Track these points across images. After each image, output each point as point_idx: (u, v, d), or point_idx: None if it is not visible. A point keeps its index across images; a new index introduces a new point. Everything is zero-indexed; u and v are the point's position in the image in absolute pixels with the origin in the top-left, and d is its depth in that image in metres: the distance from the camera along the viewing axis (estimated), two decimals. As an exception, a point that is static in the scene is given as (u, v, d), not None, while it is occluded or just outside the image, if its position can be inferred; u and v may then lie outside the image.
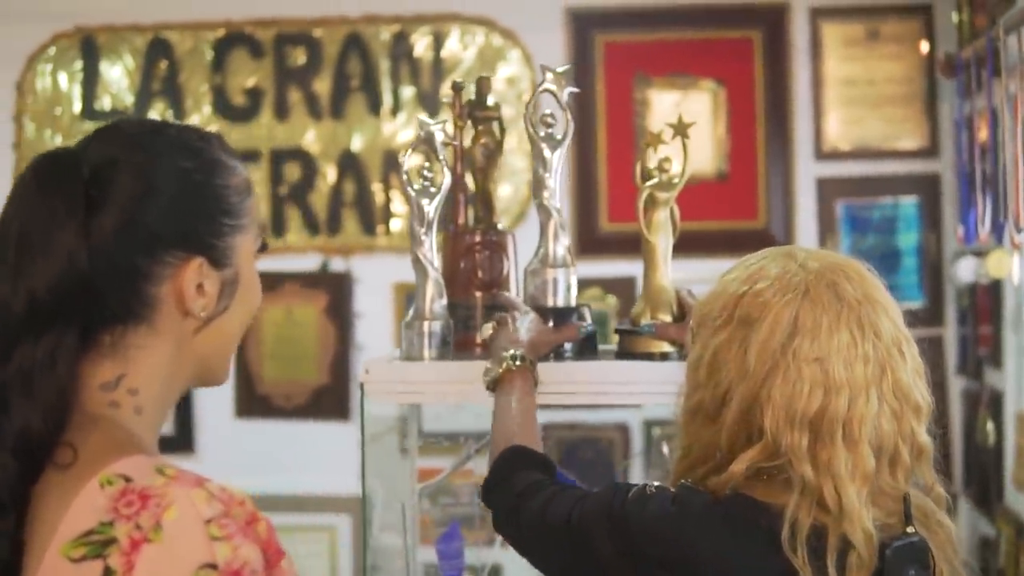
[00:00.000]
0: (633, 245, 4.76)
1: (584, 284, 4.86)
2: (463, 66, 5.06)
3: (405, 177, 2.61)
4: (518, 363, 2.38)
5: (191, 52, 5.14)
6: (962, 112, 4.27)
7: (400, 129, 5.12)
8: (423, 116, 2.67)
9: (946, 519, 1.90)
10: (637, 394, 2.59)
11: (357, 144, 5.13)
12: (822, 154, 5.02)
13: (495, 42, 5.09)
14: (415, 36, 5.12)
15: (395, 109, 5.14)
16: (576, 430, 5.01)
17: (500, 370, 2.37)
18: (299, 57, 5.15)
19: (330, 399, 5.16)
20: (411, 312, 2.61)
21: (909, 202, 4.99)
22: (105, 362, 1.49)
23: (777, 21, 5.02)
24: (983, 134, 4.05)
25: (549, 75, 2.65)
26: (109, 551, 1.34)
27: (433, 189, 2.61)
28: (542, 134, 2.61)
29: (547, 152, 2.61)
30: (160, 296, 1.51)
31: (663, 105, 5.04)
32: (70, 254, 1.44)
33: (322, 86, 5.14)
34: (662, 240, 2.62)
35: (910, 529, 1.81)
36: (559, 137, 2.62)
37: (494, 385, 2.39)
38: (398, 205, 5.13)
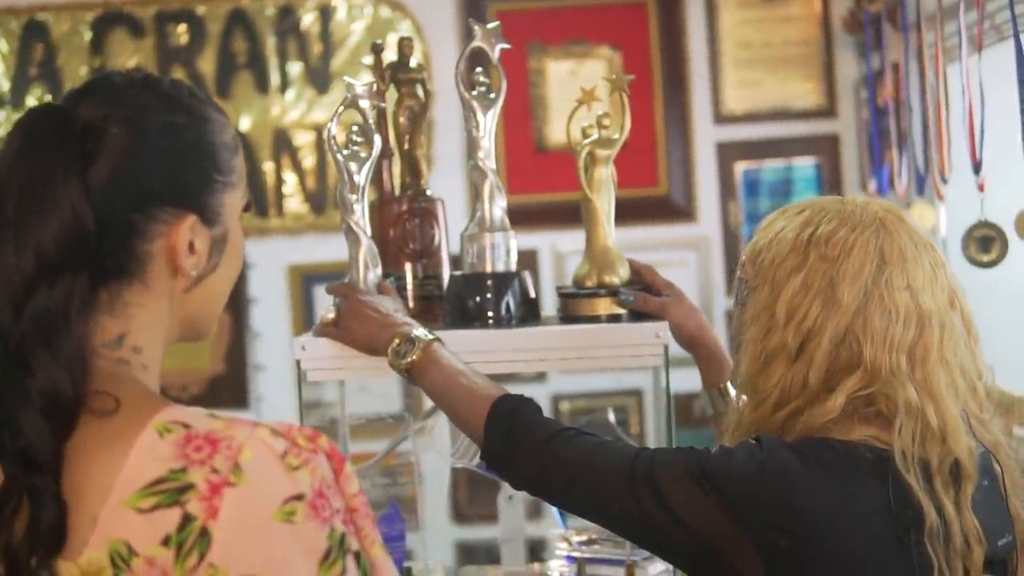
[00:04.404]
0: (535, 217, 4.74)
1: (485, 259, 4.78)
2: (352, 39, 4.93)
3: (332, 143, 2.48)
4: (430, 336, 2.27)
5: (68, 34, 4.94)
6: (870, 67, 4.24)
7: (290, 107, 4.98)
8: (349, 78, 2.53)
9: (1003, 436, 1.97)
10: (586, 359, 2.48)
11: (245, 124, 4.98)
12: (721, 118, 4.98)
13: (384, 14, 4.96)
14: (301, 11, 4.98)
15: (283, 86, 4.99)
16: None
17: (419, 351, 2.24)
18: (181, 36, 4.98)
19: (227, 387, 5.02)
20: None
21: (808, 163, 4.96)
22: (105, 320, 1.47)
23: (671, -16, 4.96)
24: (890, 89, 4.03)
25: (478, 31, 2.53)
26: (187, 497, 1.32)
27: (363, 154, 2.49)
28: (474, 93, 2.50)
29: (480, 113, 2.50)
30: (152, 253, 1.49)
31: (559, 73, 4.96)
32: (74, 209, 1.42)
33: (207, 65, 4.97)
34: (604, 199, 2.52)
35: (972, 443, 1.88)
36: (492, 96, 2.51)
37: (410, 367, 2.25)
38: (290, 186, 4.99)
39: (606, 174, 2.52)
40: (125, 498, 1.33)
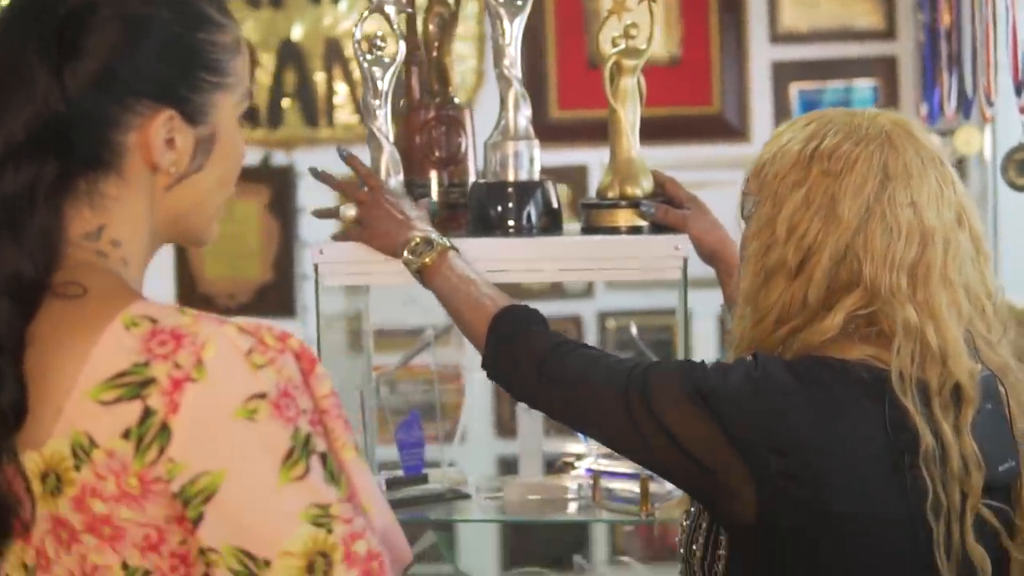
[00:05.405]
0: (585, 132, 4.70)
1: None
2: (406, -50, 4.89)
3: (356, 47, 2.47)
4: (445, 240, 2.29)
5: (121, -62, 4.93)
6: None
7: (342, 17, 4.96)
8: (375, -19, 2.52)
9: (1011, 359, 1.91)
10: (604, 270, 2.47)
11: (297, 33, 4.96)
12: (777, 37, 4.90)
13: (439, -75, 4.91)
14: (356, -81, 4.95)
15: (336, -4, 4.98)
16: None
17: (435, 253, 2.26)
18: (235, -57, 4.96)
19: (275, 296, 5.03)
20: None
21: (865, 85, 4.89)
22: (84, 211, 1.45)
23: (730, -102, 4.88)
24: (946, 11, 3.96)
25: (506, -64, 2.50)
26: (148, 391, 1.31)
27: (387, 59, 2.48)
28: (501, 0, 2.48)
29: (506, 20, 2.48)
30: (127, 145, 1.46)
31: (613, -13, 4.89)
32: (44, 94, 1.41)
33: (259, -27, 4.97)
34: (629, 110, 2.50)
35: (975, 365, 1.83)
36: (519, 3, 2.48)
37: (422, 268, 2.27)
38: (341, 96, 4.98)
39: (632, 84, 2.50)
40: (88, 389, 1.33)
